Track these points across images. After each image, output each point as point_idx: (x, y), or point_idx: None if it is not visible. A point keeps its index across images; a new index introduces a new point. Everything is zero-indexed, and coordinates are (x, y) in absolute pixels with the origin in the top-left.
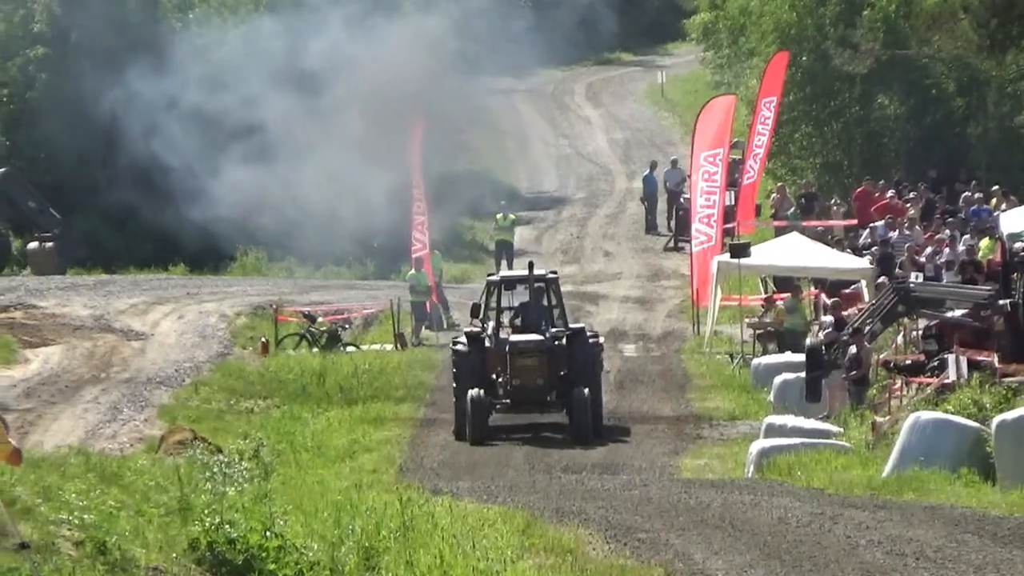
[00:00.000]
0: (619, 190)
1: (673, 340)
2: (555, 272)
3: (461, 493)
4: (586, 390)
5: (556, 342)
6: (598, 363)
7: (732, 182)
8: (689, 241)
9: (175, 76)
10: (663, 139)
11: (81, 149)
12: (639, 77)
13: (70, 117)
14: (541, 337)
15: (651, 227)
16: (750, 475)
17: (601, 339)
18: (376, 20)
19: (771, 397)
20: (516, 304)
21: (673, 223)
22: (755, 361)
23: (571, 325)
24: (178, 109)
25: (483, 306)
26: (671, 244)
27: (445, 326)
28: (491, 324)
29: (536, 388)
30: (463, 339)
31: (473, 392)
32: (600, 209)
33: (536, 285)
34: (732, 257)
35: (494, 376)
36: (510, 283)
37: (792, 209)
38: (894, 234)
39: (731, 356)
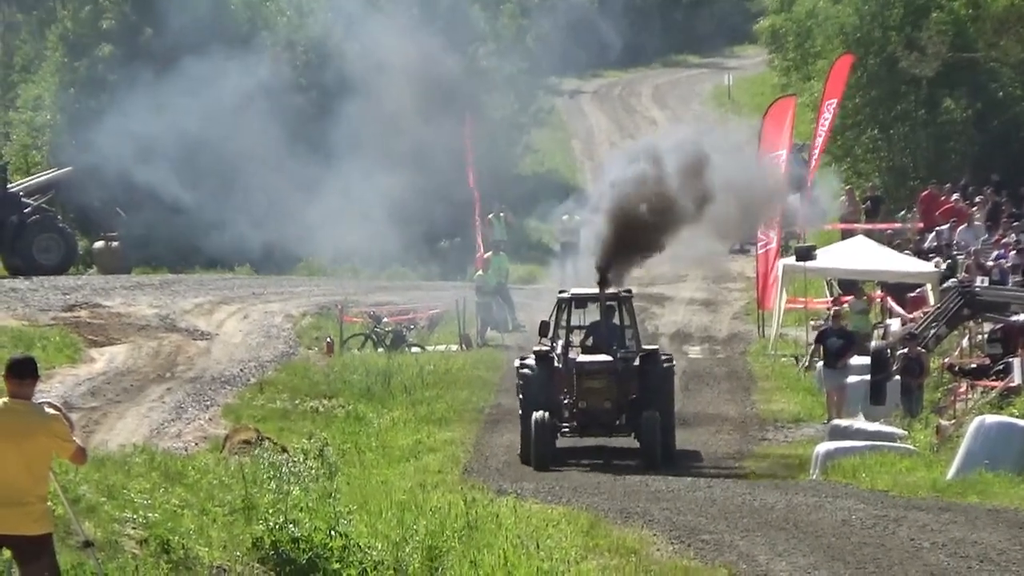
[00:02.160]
0: None
1: (738, 342)
2: (629, 290)
3: (525, 494)
4: (657, 414)
5: (626, 363)
6: (670, 386)
7: (798, 185)
8: (755, 244)
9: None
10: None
11: (148, 147)
12: (706, 79)
13: (137, 115)
14: (610, 358)
15: None
16: (814, 477)
17: (675, 363)
18: (429, 17)
19: (835, 397)
20: (587, 323)
21: None
22: (819, 363)
23: (644, 346)
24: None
25: (552, 324)
26: (736, 247)
27: (511, 327)
28: (560, 343)
29: (604, 411)
30: (531, 359)
31: (538, 415)
32: None
33: (608, 303)
34: (797, 260)
35: (561, 398)
36: (581, 301)
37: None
38: (963, 235)
39: (796, 359)
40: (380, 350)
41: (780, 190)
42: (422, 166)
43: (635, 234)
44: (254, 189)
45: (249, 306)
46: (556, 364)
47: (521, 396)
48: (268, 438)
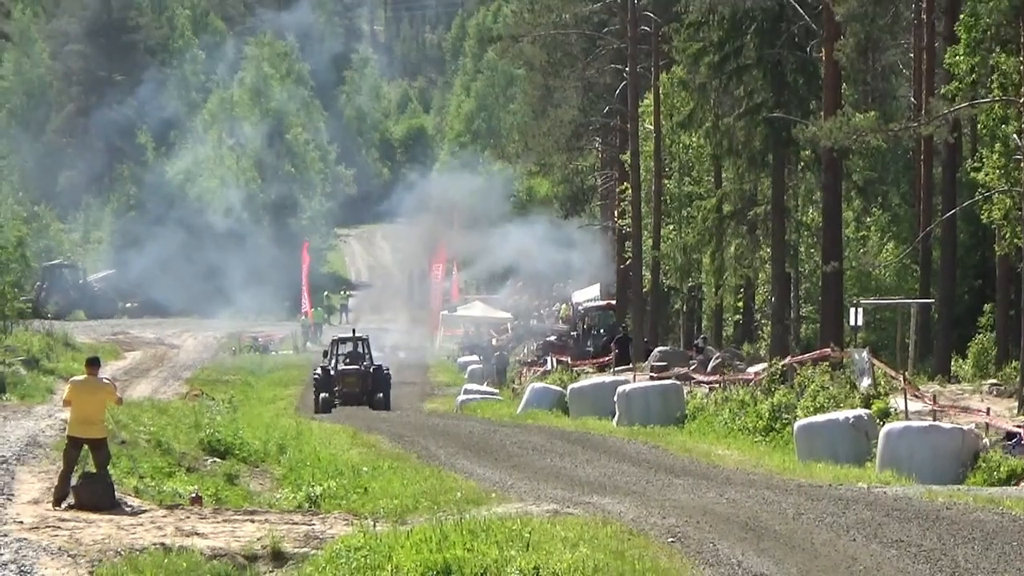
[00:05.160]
0: None
1: (421, 351)
2: (366, 336)
3: (324, 421)
4: (381, 395)
5: (369, 370)
6: (389, 382)
7: None
8: (431, 305)
9: None
10: None
11: None
12: None
13: None
14: (359, 367)
15: None
16: (456, 412)
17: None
18: None
19: (466, 376)
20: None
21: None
22: (459, 359)
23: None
24: None
25: (331, 352)
26: (425, 307)
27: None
28: (333, 360)
29: (356, 394)
30: (319, 369)
31: (323, 395)
32: None
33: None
34: (450, 312)
35: (335, 387)
36: (344, 340)
37: None
38: None
39: (449, 358)
40: (257, 353)
41: None
42: None
43: None
44: None
45: (191, 328)
46: (332, 371)
47: (314, 386)
48: (204, 393)
